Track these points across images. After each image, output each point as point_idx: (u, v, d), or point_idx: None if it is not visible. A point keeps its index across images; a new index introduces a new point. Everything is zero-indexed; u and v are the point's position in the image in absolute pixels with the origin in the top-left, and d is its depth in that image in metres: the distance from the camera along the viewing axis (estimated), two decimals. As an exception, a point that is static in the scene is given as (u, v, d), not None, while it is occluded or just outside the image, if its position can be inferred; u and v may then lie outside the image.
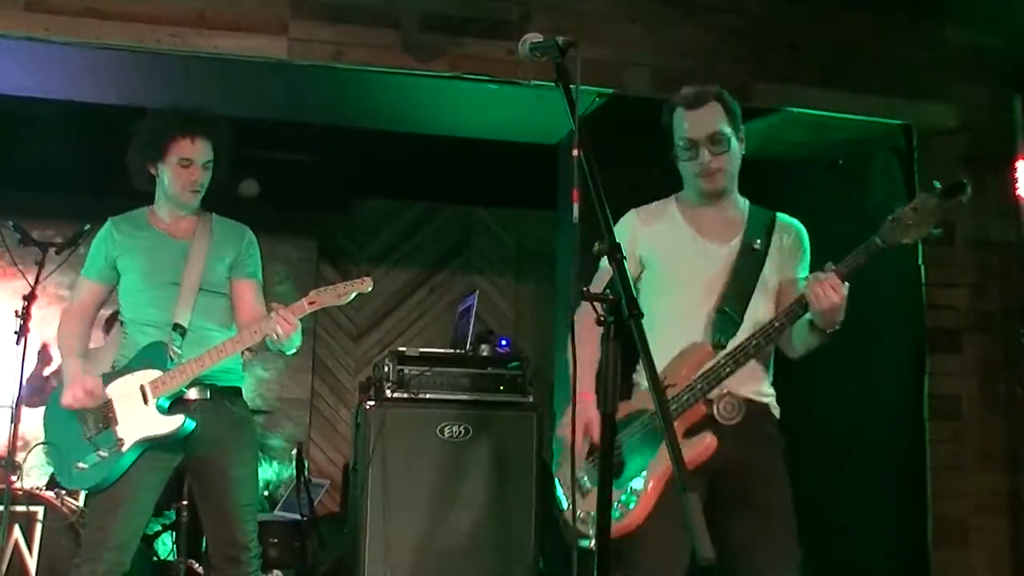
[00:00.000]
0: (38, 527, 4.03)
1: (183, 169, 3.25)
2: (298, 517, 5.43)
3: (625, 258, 1.97)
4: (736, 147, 2.82)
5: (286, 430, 6.37)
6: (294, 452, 5.73)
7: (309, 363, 6.49)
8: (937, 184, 2.53)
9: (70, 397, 3.15)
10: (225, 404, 3.26)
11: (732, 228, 2.86)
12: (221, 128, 3.33)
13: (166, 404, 3.12)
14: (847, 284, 2.57)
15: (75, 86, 4.71)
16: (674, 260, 2.84)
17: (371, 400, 4.37)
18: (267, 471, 6.18)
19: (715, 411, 2.71)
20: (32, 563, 4.00)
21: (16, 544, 3.99)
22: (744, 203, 2.93)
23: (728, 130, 2.79)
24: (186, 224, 3.35)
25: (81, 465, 3.11)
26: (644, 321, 2.83)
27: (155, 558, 4.96)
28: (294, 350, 3.24)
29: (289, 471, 6.17)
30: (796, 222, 2.93)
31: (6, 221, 4.40)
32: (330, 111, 5.13)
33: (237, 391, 3.34)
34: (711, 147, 2.77)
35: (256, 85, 4.68)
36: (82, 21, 4.00)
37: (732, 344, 2.70)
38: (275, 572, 4.86)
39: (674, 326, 2.75)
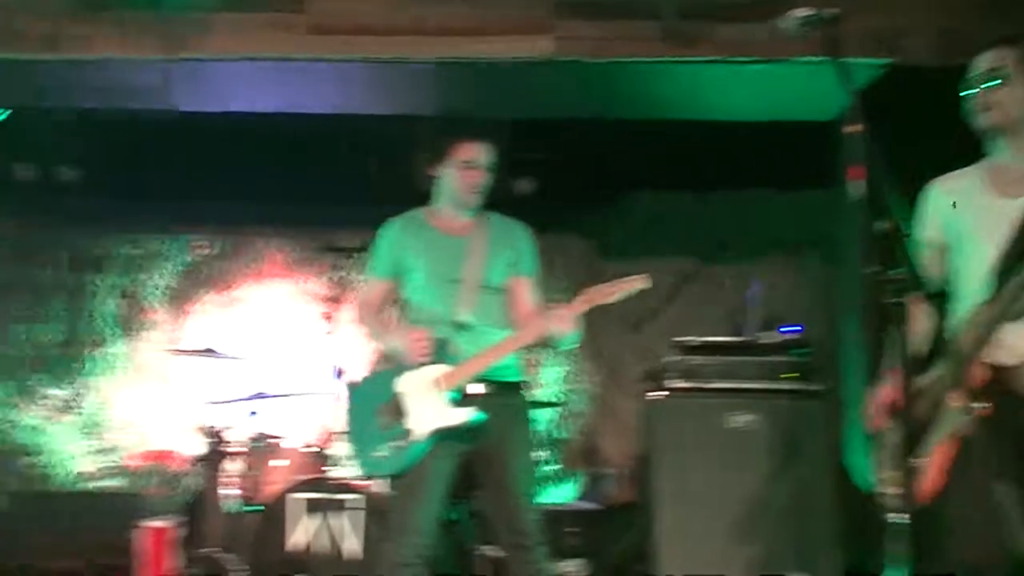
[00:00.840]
0: (357, 514, 4.31)
1: (467, 171, 3.41)
2: (593, 506, 5.52)
3: (908, 236, 1.90)
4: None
5: (574, 421, 6.50)
6: (580, 443, 5.83)
7: (592, 354, 6.57)
8: None
9: (416, 352, 3.28)
10: (505, 397, 3.38)
11: None
12: (501, 133, 3.47)
13: (458, 396, 3.27)
14: None
15: (348, 101, 5.07)
16: (969, 219, 2.77)
17: (655, 390, 4.38)
18: (555, 463, 6.32)
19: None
20: (355, 548, 4.29)
21: (339, 530, 4.29)
22: None
23: (1009, 71, 2.70)
24: (464, 223, 3.51)
25: (378, 454, 3.31)
26: (953, 286, 2.78)
27: (454, 544, 5.20)
28: (572, 346, 3.32)
29: (578, 465, 6.29)
30: None
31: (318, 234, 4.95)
32: (597, 105, 5.20)
33: (516, 385, 3.47)
34: (984, 82, 2.73)
35: (523, 85, 4.82)
36: (356, 39, 4.30)
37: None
38: (574, 560, 4.95)
39: (969, 288, 2.72)
